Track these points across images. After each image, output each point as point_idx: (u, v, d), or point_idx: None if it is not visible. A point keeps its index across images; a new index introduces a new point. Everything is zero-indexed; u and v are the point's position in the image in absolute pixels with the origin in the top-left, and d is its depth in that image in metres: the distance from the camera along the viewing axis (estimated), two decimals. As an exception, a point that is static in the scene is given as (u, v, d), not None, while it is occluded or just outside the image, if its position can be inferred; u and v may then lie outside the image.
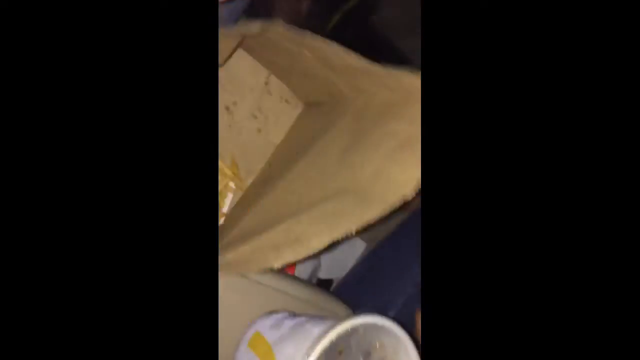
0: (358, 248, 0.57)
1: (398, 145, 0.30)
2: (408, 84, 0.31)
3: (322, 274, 0.55)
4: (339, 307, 0.41)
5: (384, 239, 0.56)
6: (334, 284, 0.55)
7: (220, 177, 0.50)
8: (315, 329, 0.33)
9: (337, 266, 0.55)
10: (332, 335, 0.30)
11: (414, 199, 0.29)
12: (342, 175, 0.33)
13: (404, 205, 0.61)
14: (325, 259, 0.54)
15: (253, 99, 0.51)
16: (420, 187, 0.28)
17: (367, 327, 0.32)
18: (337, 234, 0.29)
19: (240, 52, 0.49)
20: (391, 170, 0.30)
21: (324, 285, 0.55)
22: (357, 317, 0.31)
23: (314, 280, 0.54)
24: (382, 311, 0.52)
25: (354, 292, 0.53)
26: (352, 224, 0.28)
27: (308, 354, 0.29)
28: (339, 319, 0.32)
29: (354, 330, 0.31)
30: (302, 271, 0.52)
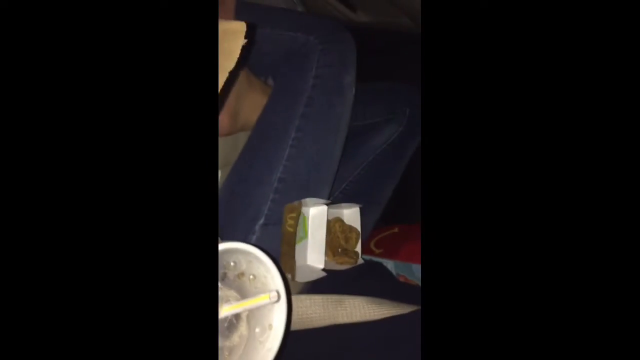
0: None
1: None
2: None
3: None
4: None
5: (236, 161, 0.59)
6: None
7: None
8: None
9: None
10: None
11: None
12: None
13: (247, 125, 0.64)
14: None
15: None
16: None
17: (220, 253, 0.35)
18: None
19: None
20: None
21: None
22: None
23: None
24: (252, 223, 0.56)
25: (225, 213, 0.57)
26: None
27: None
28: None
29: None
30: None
